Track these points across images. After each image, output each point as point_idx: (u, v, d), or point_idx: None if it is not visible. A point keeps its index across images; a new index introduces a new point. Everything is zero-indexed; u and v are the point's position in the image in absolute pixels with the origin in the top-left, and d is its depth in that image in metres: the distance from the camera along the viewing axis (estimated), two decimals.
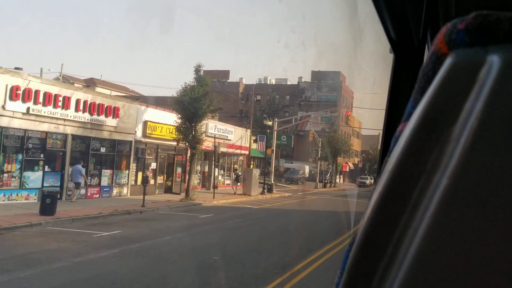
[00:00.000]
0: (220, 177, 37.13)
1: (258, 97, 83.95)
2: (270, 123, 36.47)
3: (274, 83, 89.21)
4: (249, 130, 40.53)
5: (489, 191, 0.36)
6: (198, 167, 34.08)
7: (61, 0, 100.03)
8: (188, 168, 30.03)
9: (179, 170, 30.31)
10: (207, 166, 36.14)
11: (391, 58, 1.71)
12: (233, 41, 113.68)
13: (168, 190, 29.14)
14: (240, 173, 34.07)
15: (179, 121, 24.72)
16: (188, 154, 30.95)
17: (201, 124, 25.14)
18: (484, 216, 0.36)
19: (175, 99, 24.68)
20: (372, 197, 0.45)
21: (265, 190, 34.34)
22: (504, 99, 0.38)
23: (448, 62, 0.43)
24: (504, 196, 0.36)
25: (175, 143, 26.85)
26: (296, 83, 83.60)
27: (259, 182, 41.74)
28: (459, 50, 0.43)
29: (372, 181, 69.11)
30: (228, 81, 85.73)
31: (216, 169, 36.77)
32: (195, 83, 25.01)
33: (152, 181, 27.65)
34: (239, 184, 33.52)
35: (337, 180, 74.18)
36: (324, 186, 54.62)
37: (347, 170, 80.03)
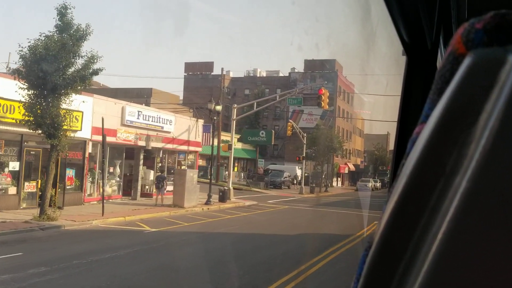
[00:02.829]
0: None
1: (247, 91, 75.09)
2: (218, 107, 26.91)
3: (264, 75, 79.87)
4: (200, 121, 31.08)
5: (510, 194, 0.34)
6: (117, 169, 24.82)
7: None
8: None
9: (70, 172, 20.99)
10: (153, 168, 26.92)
11: (404, 60, 1.69)
12: (245, 43, 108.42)
13: (50, 202, 19.78)
14: (165, 176, 24.58)
15: (29, 93, 15.42)
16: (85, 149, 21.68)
17: (66, 98, 15.78)
18: (506, 219, 0.34)
19: (21, 58, 15.31)
20: (390, 201, 0.43)
21: (210, 199, 24.89)
22: None
23: (466, 62, 0.41)
24: None
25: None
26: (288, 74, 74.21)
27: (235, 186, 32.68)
28: (478, 50, 0.42)
29: (378, 184, 59.15)
30: (212, 73, 76.45)
31: (151, 171, 27.50)
32: (56, 33, 15.70)
33: (13, 190, 18.40)
34: (167, 191, 24.16)
35: (334, 183, 64.59)
36: (312, 191, 44.86)
37: (346, 171, 70.17)
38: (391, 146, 2.22)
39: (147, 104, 38.50)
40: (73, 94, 16.15)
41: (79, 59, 16.06)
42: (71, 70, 15.77)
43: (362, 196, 46.00)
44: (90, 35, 16.28)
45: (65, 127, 15.85)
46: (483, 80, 0.39)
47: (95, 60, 16.25)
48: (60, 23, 15.80)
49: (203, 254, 11.71)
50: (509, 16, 0.41)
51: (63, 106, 15.84)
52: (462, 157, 0.39)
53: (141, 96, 46.97)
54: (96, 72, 16.17)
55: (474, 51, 0.42)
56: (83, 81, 15.90)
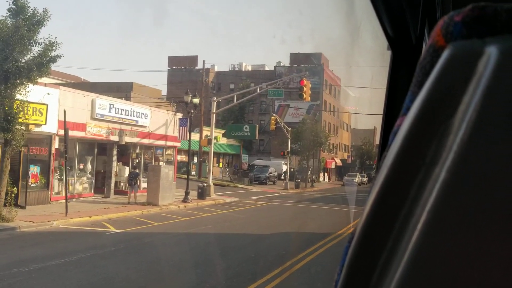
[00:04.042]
0: None
1: (232, 86, 73.79)
2: (196, 100, 25.62)
3: (250, 69, 78.60)
4: (179, 114, 29.78)
5: (489, 184, 0.35)
6: (89, 166, 23.48)
7: None
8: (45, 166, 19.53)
9: (34, 169, 19.65)
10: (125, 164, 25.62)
11: (389, 55, 1.70)
12: (228, 36, 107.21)
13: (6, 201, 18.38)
14: (138, 173, 23.33)
15: None
16: (58, 145, 20.36)
17: (21, 88, 14.47)
18: (484, 208, 0.35)
19: None
20: (372, 192, 0.44)
21: (188, 197, 23.69)
22: (502, 91, 0.37)
23: (445, 54, 0.42)
24: (503, 188, 0.35)
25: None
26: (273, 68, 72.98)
27: (218, 184, 31.47)
28: (457, 42, 0.42)
29: (365, 179, 58.45)
30: (196, 67, 74.95)
31: (126, 168, 26.18)
32: (9, 18, 14.37)
33: None
34: (141, 188, 22.94)
35: (321, 178, 63.72)
36: (297, 187, 43.85)
37: (333, 166, 69.32)
38: (378, 140, 1.93)
39: (127, 98, 37.17)
40: (30, 84, 14.84)
41: (35, 46, 14.76)
42: (27, 57, 14.46)
43: (348, 191, 45.12)
44: (48, 20, 14.98)
45: (20, 120, 14.53)
46: (461, 72, 0.40)
47: (54, 47, 14.95)
48: (13, 6, 14.47)
49: (164, 259, 10.57)
50: (488, 9, 0.41)
51: (19, 97, 14.54)
52: (441, 148, 0.39)
53: (122, 90, 45.64)
54: (54, 59, 14.85)
55: (453, 44, 0.42)
56: (40, 70, 14.57)
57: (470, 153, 0.36)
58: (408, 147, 0.41)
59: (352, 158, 75.94)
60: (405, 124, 0.43)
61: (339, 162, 72.27)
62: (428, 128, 0.41)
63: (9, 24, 14.05)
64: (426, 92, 0.42)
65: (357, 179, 55.15)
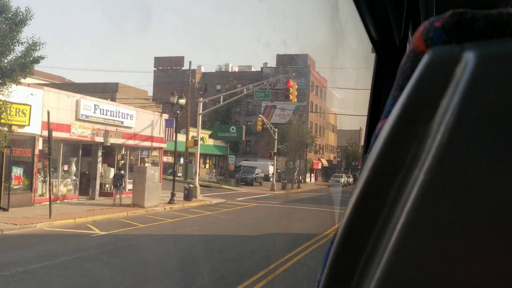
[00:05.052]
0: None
1: (218, 87, 73.64)
2: (182, 101, 25.46)
3: (236, 70, 78.51)
4: (165, 115, 29.58)
5: (465, 186, 0.37)
6: (73, 167, 23.20)
7: None
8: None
9: (18, 171, 19.35)
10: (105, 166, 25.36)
11: (373, 57, 1.70)
12: (212, 40, 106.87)
13: None
14: (123, 174, 23.13)
15: None
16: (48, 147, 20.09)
17: (4, 89, 14.24)
18: (460, 210, 0.36)
19: None
20: (353, 193, 0.45)
21: (174, 198, 23.53)
22: (479, 95, 0.38)
23: (425, 59, 0.43)
24: (479, 190, 0.36)
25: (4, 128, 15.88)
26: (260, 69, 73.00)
27: (208, 185, 31.36)
28: (436, 47, 0.44)
29: (351, 179, 58.77)
30: (182, 68, 74.63)
31: (112, 169, 25.93)
32: None
33: None
34: (127, 190, 22.74)
35: (308, 179, 63.93)
36: (284, 188, 43.90)
37: (319, 167, 69.59)
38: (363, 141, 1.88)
39: (113, 99, 36.83)
40: (13, 85, 14.62)
41: (18, 45, 14.56)
42: (9, 57, 14.24)
43: (334, 192, 45.33)
44: (30, 19, 14.77)
45: (3, 121, 14.32)
46: (440, 77, 0.41)
47: (37, 47, 14.75)
48: None
49: (150, 261, 10.47)
50: (467, 15, 0.42)
51: (1, 97, 14.32)
52: (420, 151, 0.40)
53: (107, 91, 45.23)
54: (37, 60, 14.67)
55: (432, 49, 0.43)
56: (23, 70, 14.36)
57: (447, 156, 0.37)
58: (388, 149, 0.42)
59: (339, 159, 76.30)
60: (385, 127, 0.44)
61: (325, 163, 72.56)
62: (407, 132, 0.41)
63: None
64: (406, 96, 0.42)
65: (343, 179, 55.39)
